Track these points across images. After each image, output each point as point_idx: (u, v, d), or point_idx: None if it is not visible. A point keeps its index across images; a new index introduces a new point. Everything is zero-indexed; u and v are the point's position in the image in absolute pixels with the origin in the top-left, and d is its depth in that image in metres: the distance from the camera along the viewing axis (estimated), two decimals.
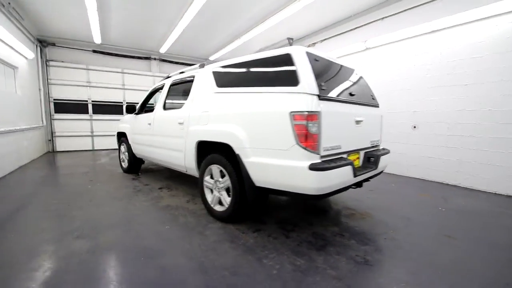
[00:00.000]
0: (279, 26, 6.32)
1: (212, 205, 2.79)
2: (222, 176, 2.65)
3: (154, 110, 3.89)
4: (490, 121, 3.80)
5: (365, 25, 5.62)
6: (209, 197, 2.84)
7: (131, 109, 4.42)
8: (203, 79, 3.07)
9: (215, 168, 2.70)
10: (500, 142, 3.71)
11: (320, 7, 5.44)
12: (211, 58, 9.52)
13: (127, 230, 2.45)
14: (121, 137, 5.13)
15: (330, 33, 6.52)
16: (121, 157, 5.21)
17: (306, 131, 1.97)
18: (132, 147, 4.64)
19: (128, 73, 8.97)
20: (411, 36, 4.72)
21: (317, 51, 2.52)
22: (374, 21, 5.42)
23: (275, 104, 2.15)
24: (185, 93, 3.49)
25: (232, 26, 6.61)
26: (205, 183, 2.87)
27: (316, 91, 2.04)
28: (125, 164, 5.06)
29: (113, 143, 8.71)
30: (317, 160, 2.00)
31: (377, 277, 1.78)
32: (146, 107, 4.52)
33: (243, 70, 2.64)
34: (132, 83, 9.05)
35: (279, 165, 2.09)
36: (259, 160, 2.23)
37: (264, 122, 2.21)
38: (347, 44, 6.04)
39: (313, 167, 1.93)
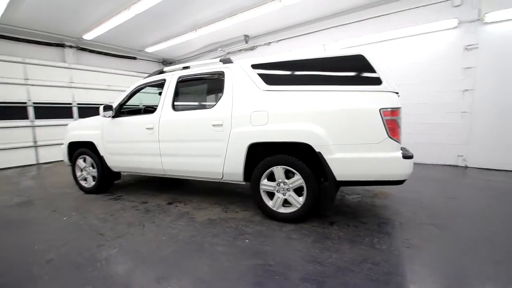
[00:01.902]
0: (236, 23, 6.23)
1: (275, 209, 2.65)
2: (288, 177, 2.57)
3: (157, 112, 3.21)
4: (437, 111, 5.09)
5: (322, 30, 6.33)
6: (269, 201, 2.68)
7: (108, 110, 3.45)
8: (239, 76, 2.80)
9: (279, 170, 2.57)
10: (443, 127, 5.05)
11: (279, 12, 5.69)
12: (149, 50, 8.32)
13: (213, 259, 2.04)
14: (79, 147, 3.91)
15: (287, 35, 6.96)
16: (78, 174, 3.97)
17: (395, 125, 2.23)
18: (106, 160, 3.64)
19: (32, 64, 6.70)
20: (365, 43, 5.70)
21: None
22: (331, 27, 6.20)
23: (361, 102, 2.29)
24: (211, 91, 3.09)
25: (193, 18, 6.05)
26: (262, 187, 2.68)
27: (395, 89, 2.31)
28: (88, 183, 3.89)
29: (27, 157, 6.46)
30: (400, 150, 2.28)
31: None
32: (123, 108, 3.64)
33: (304, 68, 2.61)
34: (39, 77, 6.81)
35: (372, 158, 2.25)
36: (346, 155, 2.32)
37: (350, 119, 2.31)
38: (304, 46, 6.64)
39: (406, 156, 2.21)
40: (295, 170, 2.51)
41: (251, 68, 2.79)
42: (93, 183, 3.86)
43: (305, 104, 2.46)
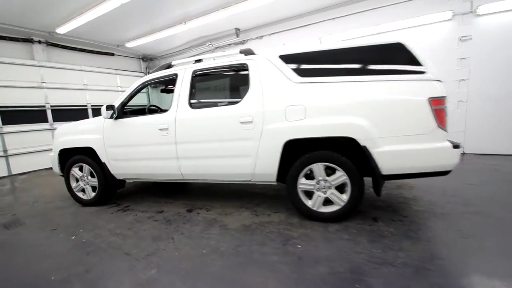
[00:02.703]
0: (228, 16, 5.92)
1: (315, 209, 2.50)
2: (328, 174, 2.43)
3: (172, 111, 2.87)
4: None
5: (317, 23, 6.25)
6: (307, 201, 2.52)
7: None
8: (267, 68, 2.59)
9: (319, 167, 2.42)
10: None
11: (272, 4, 5.51)
12: (129, 45, 7.67)
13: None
14: (73, 155, 3.42)
15: (280, 28, 6.79)
16: (74, 185, 3.48)
17: (443, 114, 2.18)
18: (109, 167, 3.22)
19: None
20: (361, 36, 5.72)
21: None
22: (326, 20, 6.14)
23: (407, 92, 2.20)
24: (233, 86, 2.84)
25: (184, 10, 5.63)
26: (300, 186, 2.51)
27: (438, 77, 2.25)
28: (87, 194, 3.43)
29: None
30: (447, 139, 2.24)
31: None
32: (125, 108, 3.24)
33: (339, 58, 2.46)
34: (3, 77, 5.94)
35: (421, 149, 2.18)
36: (393, 148, 2.22)
37: (396, 110, 2.21)
38: (299, 39, 6.53)
39: (455, 145, 2.17)
40: (338, 167, 2.37)
41: (279, 59, 2.59)
42: (93, 194, 3.40)
43: (347, 96, 2.31)
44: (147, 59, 9.63)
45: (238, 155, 2.64)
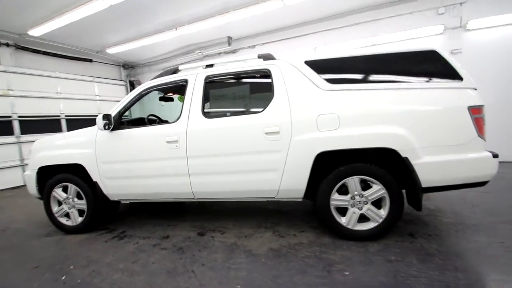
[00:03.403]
0: (222, 24, 5.73)
1: (349, 227, 2.27)
2: (363, 188, 2.24)
3: (182, 121, 2.53)
4: None
5: (311, 34, 6.26)
6: (340, 218, 2.29)
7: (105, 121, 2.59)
8: (292, 74, 2.38)
9: (355, 181, 2.22)
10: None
11: (265, 14, 5.44)
12: (111, 51, 7.11)
13: None
14: (55, 173, 2.89)
15: (273, 38, 6.71)
16: (56, 209, 2.93)
17: (482, 123, 2.10)
18: (102, 186, 2.75)
19: None
20: (356, 48, 5.80)
21: None
22: (320, 31, 6.17)
23: (446, 100, 2.11)
24: (253, 93, 2.58)
25: (177, 15, 5.33)
26: (333, 202, 2.28)
27: (475, 85, 2.19)
28: (72, 220, 2.89)
29: None
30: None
31: None
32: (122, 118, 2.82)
33: (370, 65, 2.33)
34: None
35: (461, 159, 2.07)
36: (433, 159, 2.09)
37: (436, 118, 2.10)
38: (293, 49, 6.48)
39: (495, 155, 2.09)
40: (376, 180, 2.19)
41: (305, 65, 2.40)
42: (80, 219, 2.88)
43: (384, 105, 2.17)
44: (128, 67, 9.05)
45: (262, 169, 2.36)
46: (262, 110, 2.38)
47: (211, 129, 2.45)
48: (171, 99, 3.73)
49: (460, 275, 1.73)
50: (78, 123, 6.97)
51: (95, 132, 2.77)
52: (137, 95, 2.75)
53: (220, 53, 7.35)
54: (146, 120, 3.19)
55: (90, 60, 7.71)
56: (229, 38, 6.86)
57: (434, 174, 2.13)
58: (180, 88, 2.75)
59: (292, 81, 2.37)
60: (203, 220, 3.03)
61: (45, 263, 2.29)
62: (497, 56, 4.75)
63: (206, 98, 2.57)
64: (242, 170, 2.41)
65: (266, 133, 2.31)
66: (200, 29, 5.89)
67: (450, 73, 2.19)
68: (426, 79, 2.23)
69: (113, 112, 2.72)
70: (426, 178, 2.11)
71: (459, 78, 2.15)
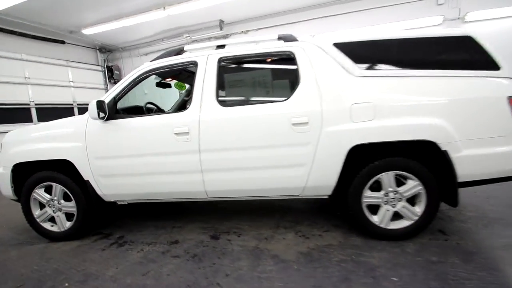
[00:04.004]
0: (214, 4, 5.29)
1: (382, 225, 2.11)
2: (398, 184, 2.08)
3: (193, 109, 2.18)
4: None
5: (308, 20, 6.00)
6: (371, 216, 2.12)
7: (100, 108, 2.16)
8: (320, 58, 2.12)
9: (389, 176, 2.05)
10: None
11: None
12: (87, 31, 6.36)
13: None
14: (36, 171, 2.43)
15: (268, 23, 6.36)
16: (38, 213, 2.48)
17: None
18: (96, 185, 2.35)
19: None
20: None
21: None
22: (317, 18, 5.93)
23: (485, 89, 1.97)
24: (275, 78, 2.29)
25: None
26: (365, 200, 2.10)
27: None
28: (59, 225, 2.46)
29: None
30: None
31: None
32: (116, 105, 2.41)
33: (404, 49, 2.12)
34: None
35: (500, 152, 1.96)
36: (473, 152, 1.96)
37: (475, 109, 1.96)
38: None
39: None
40: (412, 175, 2.03)
41: (334, 47, 2.15)
42: (69, 223, 2.47)
43: (423, 93, 1.99)
44: (106, 50, 8.24)
45: (288, 164, 2.11)
46: (287, 98, 2.10)
47: (229, 119, 2.14)
48: (169, 85, 3.32)
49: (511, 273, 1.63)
50: (50, 112, 6.23)
51: (84, 122, 2.34)
52: (135, 78, 2.34)
53: (211, 38, 6.87)
54: (144, 108, 2.78)
55: (63, 42, 6.87)
56: (221, 21, 6.41)
57: (473, 168, 2.00)
58: (183, 73, 2.39)
59: (321, 66, 2.11)
60: (212, 220, 2.74)
61: (31, 280, 1.89)
62: (494, 49, 4.81)
63: (221, 83, 2.24)
64: (264, 165, 2.14)
65: (293, 124, 2.05)
66: (191, 9, 5.40)
67: (487, 61, 2.05)
68: (461, 66, 2.07)
69: (107, 98, 2.30)
70: (463, 172, 1.98)
71: (496, 67, 2.02)
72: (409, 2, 5.21)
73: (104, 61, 8.36)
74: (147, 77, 2.38)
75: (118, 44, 7.98)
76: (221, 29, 6.51)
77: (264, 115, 2.11)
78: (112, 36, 7.08)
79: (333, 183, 2.11)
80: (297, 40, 2.26)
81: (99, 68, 8.24)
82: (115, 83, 8.45)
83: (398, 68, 2.08)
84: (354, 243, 2.13)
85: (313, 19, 5.93)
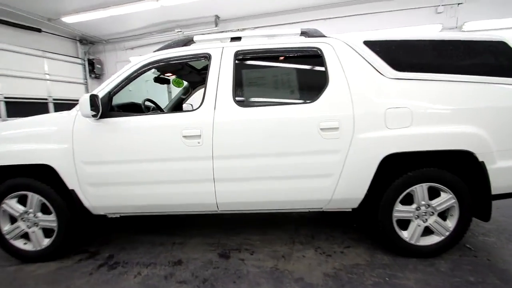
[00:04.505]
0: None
1: (412, 242, 1.93)
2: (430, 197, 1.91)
3: (206, 108, 1.88)
4: None
5: (308, 21, 5.85)
6: (401, 232, 1.94)
7: (92, 104, 1.80)
8: (350, 57, 1.92)
9: (423, 189, 1.88)
10: None
11: None
12: (67, 19, 5.78)
13: None
14: (6, 178, 2.00)
15: (265, 22, 6.16)
16: (7, 228, 2.05)
17: None
18: (86, 196, 1.97)
19: None
20: None
21: None
22: (314, 20, 5.80)
23: None
24: (299, 77, 2.05)
25: None
26: (396, 214, 1.91)
27: None
28: (34, 243, 2.04)
29: None
30: None
31: None
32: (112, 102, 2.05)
33: (440, 51, 1.97)
34: None
35: None
36: (507, 163, 1.85)
37: (509, 118, 1.84)
38: None
39: None
40: (446, 188, 1.87)
41: (365, 46, 1.95)
42: (47, 241, 2.06)
43: (459, 99, 1.84)
44: (87, 42, 7.59)
45: (314, 174, 1.88)
46: (314, 100, 1.87)
47: (247, 121, 1.87)
48: (168, 81, 2.98)
49: None
50: (22, 107, 5.58)
51: (71, 119, 1.96)
52: (136, 70, 2.00)
53: (204, 34, 6.52)
54: (143, 106, 2.43)
55: (39, 30, 6.20)
56: (217, 17, 6.11)
57: (506, 180, 1.89)
58: (185, 68, 2.10)
59: (351, 65, 1.91)
60: (216, 234, 2.44)
61: None
62: None
63: (238, 81, 1.96)
64: (286, 175, 1.89)
65: (322, 129, 1.82)
66: (186, 1, 5.04)
67: None
68: (496, 72, 1.96)
69: (101, 92, 1.95)
70: (498, 184, 1.86)
71: None
72: (410, 8, 5.22)
73: (85, 54, 7.70)
74: (149, 69, 2.05)
75: (101, 36, 7.38)
76: (216, 25, 6.20)
77: (289, 118, 1.86)
78: (96, 27, 6.51)
79: (362, 196, 1.91)
80: (323, 36, 2.05)
81: (79, 61, 7.58)
82: (96, 78, 7.88)
83: (434, 72, 1.91)
84: (383, 261, 1.93)
85: (313, 20, 5.79)
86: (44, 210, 2.04)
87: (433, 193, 1.91)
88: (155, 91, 7.32)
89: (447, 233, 1.93)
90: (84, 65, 7.73)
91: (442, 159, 1.94)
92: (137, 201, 1.99)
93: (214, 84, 1.93)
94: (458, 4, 4.97)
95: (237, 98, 1.91)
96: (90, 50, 7.80)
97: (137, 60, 2.02)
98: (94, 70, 7.75)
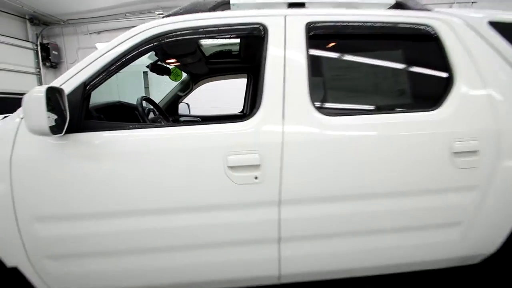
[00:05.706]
0: None
1: None
2: None
3: (262, 117, 1.08)
4: None
5: None
6: None
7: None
8: (476, 43, 1.26)
9: None
10: None
11: None
12: None
13: None
14: None
15: None
16: None
17: None
18: (39, 277, 1.06)
19: None
20: None
21: None
22: None
23: None
24: (403, 67, 1.34)
25: None
26: None
27: None
28: None
29: None
30: None
31: None
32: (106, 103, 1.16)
33: None
34: None
35: None
36: None
37: None
38: None
39: None
40: None
41: (491, 28, 1.30)
42: None
43: None
44: (40, 22, 6.11)
45: (436, 223, 1.19)
46: (438, 105, 1.18)
47: (341, 140, 1.11)
48: (168, 71, 2.08)
49: None
50: None
51: (9, 137, 1.04)
52: (136, 46, 1.12)
53: None
54: (140, 110, 1.51)
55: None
56: None
57: None
58: (197, 52, 1.29)
59: (481, 55, 1.25)
60: None
61: None
62: None
63: (315, 73, 1.19)
64: (399, 226, 1.17)
65: (455, 153, 1.14)
66: None
67: None
68: None
69: (66, 84, 1.05)
70: None
71: None
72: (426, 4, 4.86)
73: (37, 37, 6.21)
74: (156, 46, 1.18)
75: (58, 15, 5.97)
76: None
77: (404, 136, 1.14)
78: (51, 2, 5.17)
79: (494, 249, 1.28)
80: (428, 10, 1.36)
81: (30, 45, 6.09)
82: (52, 67, 6.46)
83: None
84: None
85: None
86: None
87: None
88: (129, 86, 6.18)
89: None
90: (36, 50, 6.24)
91: None
92: (141, 281, 1.12)
93: (277, 76, 1.14)
94: (472, 2, 4.81)
95: (316, 102, 1.14)
96: (44, 33, 6.32)
97: (139, 29, 1.14)
98: (49, 57, 6.30)
